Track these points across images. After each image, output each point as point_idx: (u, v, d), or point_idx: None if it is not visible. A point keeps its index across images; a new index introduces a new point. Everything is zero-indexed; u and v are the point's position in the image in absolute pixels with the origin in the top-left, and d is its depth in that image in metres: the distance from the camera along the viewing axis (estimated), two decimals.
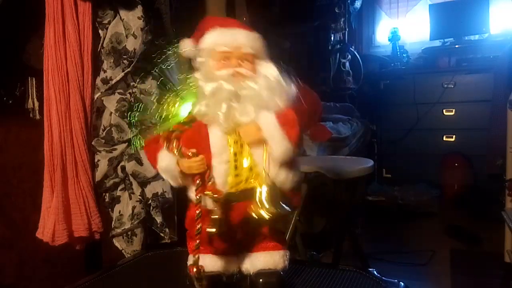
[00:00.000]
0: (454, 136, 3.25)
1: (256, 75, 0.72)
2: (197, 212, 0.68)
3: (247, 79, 0.71)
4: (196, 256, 0.68)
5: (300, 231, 1.75)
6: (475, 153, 3.00)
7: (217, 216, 0.67)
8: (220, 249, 0.75)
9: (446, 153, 3.22)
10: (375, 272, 0.85)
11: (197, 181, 0.69)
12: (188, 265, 0.69)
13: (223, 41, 0.72)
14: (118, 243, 1.29)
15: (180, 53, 0.77)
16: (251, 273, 0.75)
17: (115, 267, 0.99)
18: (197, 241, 0.68)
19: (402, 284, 0.81)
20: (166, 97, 0.75)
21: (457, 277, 1.89)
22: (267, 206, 0.66)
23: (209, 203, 0.69)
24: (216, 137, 0.70)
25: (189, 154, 0.68)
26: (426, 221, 2.81)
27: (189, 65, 0.76)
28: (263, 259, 0.74)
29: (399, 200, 3.03)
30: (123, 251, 1.29)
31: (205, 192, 0.68)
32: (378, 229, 2.67)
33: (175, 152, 0.69)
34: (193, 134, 0.71)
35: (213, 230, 0.67)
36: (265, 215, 0.67)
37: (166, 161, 0.70)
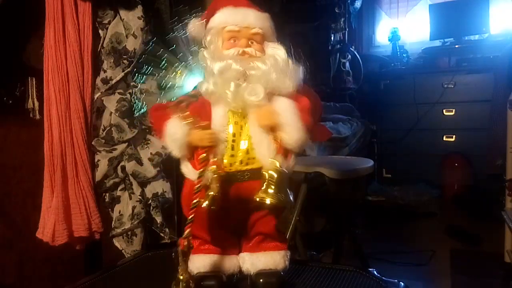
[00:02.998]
0: (454, 136, 3.25)
1: (264, 55, 0.72)
2: (197, 185, 0.67)
3: (256, 59, 0.71)
4: (188, 230, 0.67)
5: (300, 231, 1.75)
6: (475, 153, 3.00)
7: (212, 193, 0.66)
8: (223, 248, 0.75)
9: (446, 153, 3.22)
10: (375, 272, 0.85)
11: (203, 155, 0.68)
12: (180, 238, 0.68)
13: (232, 20, 0.72)
14: (118, 243, 1.29)
15: (190, 31, 0.76)
16: (252, 273, 0.75)
17: (115, 267, 0.98)
18: (191, 216, 0.67)
19: (402, 284, 0.81)
20: (175, 67, 0.74)
21: (457, 277, 1.89)
22: (271, 192, 0.66)
23: (206, 179, 0.67)
24: (218, 115, 0.70)
25: (204, 124, 0.68)
26: (426, 221, 2.81)
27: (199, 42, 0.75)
28: (264, 259, 0.74)
29: (399, 200, 3.03)
30: (123, 251, 1.29)
31: (209, 167, 0.67)
32: (378, 229, 2.67)
33: (188, 120, 0.68)
34: (199, 108, 0.71)
35: (205, 204, 0.65)
36: (268, 201, 0.66)
37: (175, 129, 0.69)
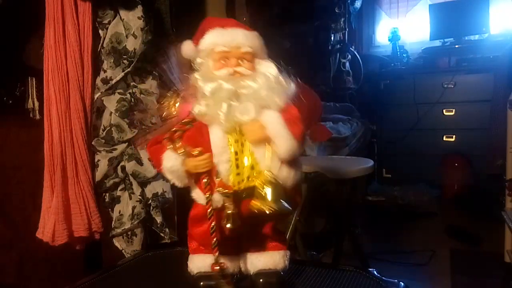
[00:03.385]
0: (454, 136, 3.25)
1: (255, 73, 0.73)
2: (209, 210, 0.69)
3: (247, 78, 0.72)
4: (216, 254, 0.70)
5: (300, 231, 1.75)
6: (475, 153, 3.00)
7: (231, 211, 0.67)
8: (223, 249, 0.75)
9: (446, 153, 3.22)
10: (375, 272, 0.85)
11: (204, 180, 0.69)
12: (211, 264, 0.71)
13: (222, 41, 0.73)
14: (118, 243, 1.29)
15: (181, 54, 0.77)
16: (252, 273, 0.75)
17: (115, 267, 0.99)
18: (214, 239, 0.69)
19: (402, 284, 0.81)
20: (166, 97, 0.75)
21: (457, 277, 1.89)
22: (269, 201, 0.67)
23: (216, 201, 0.69)
24: (216, 136, 0.70)
25: (195, 153, 0.69)
26: (426, 221, 2.81)
27: (189, 65, 0.76)
28: (263, 259, 0.75)
29: (399, 200, 3.03)
30: (123, 251, 1.29)
31: (216, 189, 0.69)
32: (378, 229, 2.67)
33: (181, 152, 0.70)
34: (195, 134, 0.71)
35: (229, 225, 0.67)
36: (266, 210, 0.67)
37: (171, 162, 0.70)
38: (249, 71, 0.73)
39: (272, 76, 0.72)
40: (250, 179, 0.70)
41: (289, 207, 0.69)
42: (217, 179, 0.69)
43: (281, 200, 0.68)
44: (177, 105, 0.74)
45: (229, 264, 0.76)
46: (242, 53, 0.72)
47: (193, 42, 0.76)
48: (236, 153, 0.70)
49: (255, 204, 0.67)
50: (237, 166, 0.70)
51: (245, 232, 0.73)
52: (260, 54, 0.75)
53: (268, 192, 0.67)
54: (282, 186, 0.69)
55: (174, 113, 0.74)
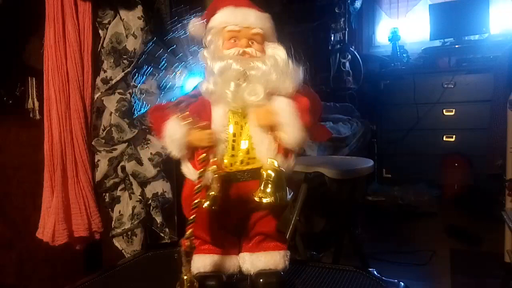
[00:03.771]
0: (454, 136, 3.25)
1: (265, 56, 0.72)
2: (197, 186, 0.67)
3: (256, 59, 0.71)
4: (190, 230, 0.67)
5: (300, 231, 1.75)
6: (475, 153, 3.00)
7: (213, 193, 0.66)
8: (223, 248, 0.75)
9: (446, 153, 3.22)
10: (375, 272, 0.85)
11: (203, 155, 0.68)
12: (182, 239, 0.68)
13: (233, 20, 0.72)
14: (118, 243, 1.29)
15: (190, 31, 0.76)
16: (252, 273, 0.75)
17: (115, 267, 0.98)
18: (192, 216, 0.67)
19: (402, 284, 0.81)
20: (174, 67, 0.74)
21: (457, 277, 1.89)
22: (269, 191, 0.66)
23: (207, 179, 0.67)
24: (218, 115, 0.70)
25: (202, 124, 0.68)
26: (426, 221, 2.81)
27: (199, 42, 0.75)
28: (264, 259, 0.75)
29: (399, 200, 3.03)
30: (123, 251, 1.29)
31: (210, 167, 0.67)
32: (378, 229, 2.67)
33: (188, 121, 0.68)
34: (199, 108, 0.71)
35: (207, 205, 0.65)
36: (265, 200, 0.66)
37: (175, 129, 0.69)
38: (259, 52, 0.72)
39: (281, 60, 0.72)
40: (244, 163, 0.69)
41: (288, 198, 0.69)
42: (214, 158, 0.68)
43: (282, 191, 0.67)
44: (183, 76, 0.73)
45: (229, 264, 0.76)
46: (252, 34, 0.72)
47: (203, 19, 0.75)
48: (234, 135, 0.70)
49: (257, 193, 0.67)
50: (233, 148, 0.70)
51: (239, 218, 0.72)
52: (271, 37, 0.75)
53: (270, 182, 0.66)
54: (283, 175, 0.68)
55: (178, 84, 0.73)
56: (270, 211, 0.72)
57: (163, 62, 0.75)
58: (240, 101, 0.69)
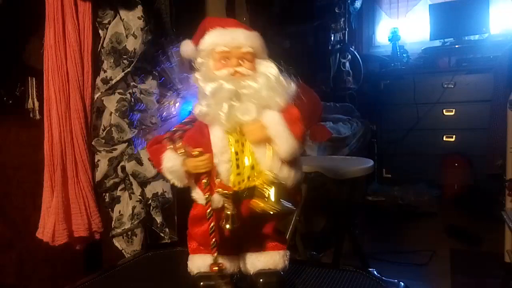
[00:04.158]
0: (454, 136, 3.25)
1: (256, 73, 0.73)
2: (208, 211, 0.69)
3: (247, 78, 0.72)
4: (215, 254, 0.69)
5: (300, 231, 1.75)
6: (475, 153, 3.00)
7: (230, 212, 0.67)
8: (222, 249, 0.75)
9: (446, 153, 3.22)
10: (375, 272, 0.85)
11: (204, 180, 0.69)
12: (210, 264, 0.71)
13: (222, 41, 0.72)
14: (118, 243, 1.29)
15: (181, 54, 0.77)
16: (251, 273, 0.75)
17: (115, 267, 0.99)
18: (213, 240, 0.69)
19: (402, 284, 0.81)
20: (167, 97, 0.75)
21: (457, 277, 1.89)
22: (271, 201, 0.67)
23: (216, 202, 0.69)
24: (217, 136, 0.70)
25: (195, 153, 0.69)
26: (426, 221, 2.81)
27: (190, 65, 0.76)
28: (263, 259, 0.75)
29: (399, 200, 3.03)
30: (123, 251, 1.29)
31: (215, 190, 0.69)
32: (378, 229, 2.67)
33: (180, 152, 0.70)
34: (195, 134, 0.72)
35: (229, 226, 0.67)
36: (270, 210, 0.67)
37: (172, 162, 0.70)
38: (250, 71, 0.73)
39: (273, 76, 0.72)
40: (250, 179, 0.70)
41: (291, 207, 0.69)
42: (217, 180, 0.69)
43: (282, 200, 0.68)
44: (177, 105, 0.74)
45: (229, 264, 0.76)
46: (242, 53, 0.72)
47: (193, 42, 0.76)
48: (236, 153, 0.70)
49: (257, 204, 0.67)
50: (238, 166, 0.70)
51: (244, 232, 0.73)
52: (261, 54, 0.75)
53: (270, 192, 0.67)
54: (283, 186, 0.69)
55: (174, 113, 0.74)
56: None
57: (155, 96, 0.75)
58: (233, 121, 0.69)
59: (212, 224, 0.69)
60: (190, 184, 0.73)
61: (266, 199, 0.67)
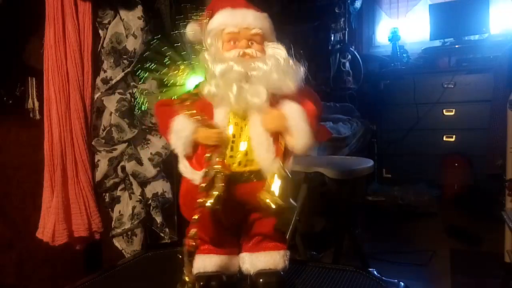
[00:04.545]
0: (454, 136, 3.25)
1: (265, 56, 0.72)
2: (202, 184, 0.66)
3: (256, 60, 0.71)
4: (195, 230, 0.66)
5: (300, 231, 1.75)
6: (475, 153, 3.00)
7: (217, 192, 0.66)
8: (223, 248, 0.75)
9: (446, 153, 3.21)
10: (375, 272, 0.85)
11: (208, 154, 0.68)
12: (186, 238, 0.67)
13: (232, 21, 0.72)
14: (118, 243, 1.29)
15: (189, 36, 0.76)
16: (252, 273, 0.75)
17: (115, 267, 0.98)
18: (197, 215, 0.66)
19: (402, 284, 0.81)
20: (177, 65, 0.74)
21: (457, 277, 1.89)
22: (276, 197, 0.66)
23: (209, 178, 0.67)
24: (219, 116, 0.70)
25: (211, 123, 0.68)
26: (426, 221, 2.81)
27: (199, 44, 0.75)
28: (264, 259, 0.75)
29: (399, 200, 3.03)
30: (123, 251, 1.29)
31: (214, 166, 0.67)
32: (378, 229, 2.66)
33: (196, 118, 0.68)
34: (202, 108, 0.71)
35: (210, 204, 0.65)
36: (273, 205, 0.66)
37: (182, 126, 0.69)
38: (259, 53, 0.72)
39: (282, 59, 0.72)
40: (241, 164, 0.69)
41: (294, 203, 0.69)
42: (218, 158, 0.68)
43: (288, 196, 0.67)
44: (185, 75, 0.73)
45: (229, 264, 0.76)
46: (252, 35, 0.72)
47: (202, 22, 0.75)
48: (233, 136, 0.70)
49: (262, 197, 0.66)
50: (232, 149, 0.69)
51: (239, 220, 0.72)
52: (270, 37, 0.75)
53: (278, 186, 0.66)
54: (290, 181, 0.68)
55: (181, 83, 0.72)
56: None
57: (166, 59, 0.74)
58: (243, 103, 0.69)
59: (201, 200, 0.66)
60: (191, 154, 0.71)
61: (272, 193, 0.66)
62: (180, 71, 0.73)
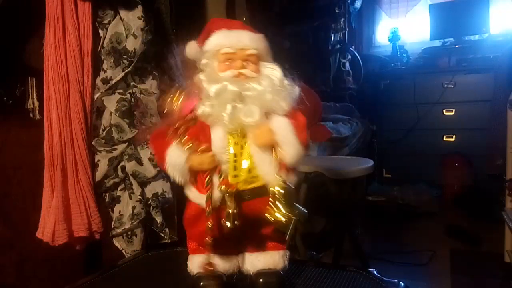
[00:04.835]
0: (454, 136, 3.25)
1: (260, 76, 0.73)
2: (208, 209, 0.68)
3: (251, 80, 0.72)
4: (210, 254, 0.69)
5: (300, 231, 1.75)
6: (475, 153, 3.00)
7: (231, 210, 0.67)
8: (222, 249, 0.75)
9: (446, 153, 3.21)
10: (375, 272, 0.85)
11: (207, 178, 0.69)
12: (203, 263, 0.70)
13: (227, 42, 0.72)
14: (118, 243, 1.29)
15: (186, 55, 0.76)
16: (251, 273, 0.75)
17: (115, 267, 0.99)
18: (209, 238, 0.69)
19: (402, 284, 0.81)
20: (170, 93, 0.74)
21: (457, 277, 1.89)
22: (283, 209, 0.67)
23: (216, 199, 0.69)
24: (218, 136, 0.70)
25: (202, 148, 0.69)
26: (426, 221, 2.81)
27: (193, 64, 0.76)
28: (263, 259, 0.75)
29: (399, 200, 3.04)
30: (123, 251, 1.29)
31: (218, 187, 0.68)
32: (378, 229, 2.67)
33: (187, 146, 0.69)
34: (198, 132, 0.71)
35: (229, 224, 0.67)
36: (282, 218, 0.67)
37: (176, 157, 0.70)
38: (254, 73, 0.73)
39: (277, 79, 0.72)
40: (247, 182, 0.70)
41: (303, 210, 0.69)
42: (220, 178, 0.69)
43: (295, 204, 0.68)
44: (180, 101, 0.73)
45: (228, 264, 0.76)
46: (247, 55, 0.72)
47: (198, 43, 0.76)
48: (235, 155, 0.70)
49: (271, 213, 0.67)
50: (235, 168, 0.70)
51: (243, 232, 0.73)
52: (265, 57, 0.75)
53: (281, 200, 0.67)
54: (292, 190, 0.69)
55: (176, 109, 0.73)
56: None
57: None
58: (236, 123, 0.69)
59: (209, 223, 0.68)
60: (190, 181, 0.73)
61: (276, 207, 0.67)
62: (175, 97, 0.73)
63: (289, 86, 0.73)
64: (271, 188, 0.68)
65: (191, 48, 0.76)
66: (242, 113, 0.69)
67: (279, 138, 0.69)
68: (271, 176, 0.69)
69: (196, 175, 0.72)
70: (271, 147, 0.70)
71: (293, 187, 0.70)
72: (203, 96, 0.72)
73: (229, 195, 0.68)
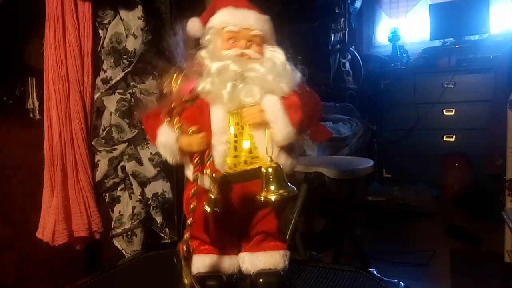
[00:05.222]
0: (454, 136, 3.25)
1: (263, 58, 0.72)
2: (193, 190, 0.68)
3: (254, 61, 0.71)
4: (187, 234, 0.67)
5: (300, 231, 1.75)
6: (475, 153, 3.00)
7: (213, 196, 0.66)
8: (223, 248, 0.75)
9: (446, 153, 3.21)
10: (375, 272, 0.85)
11: (196, 160, 0.69)
12: (179, 243, 0.69)
13: (233, 20, 0.72)
14: (118, 243, 1.29)
15: (188, 31, 0.76)
16: (251, 273, 0.75)
17: (115, 267, 0.99)
18: (189, 220, 0.67)
19: (402, 284, 0.81)
20: (170, 73, 0.74)
21: (457, 277, 1.89)
22: (273, 188, 0.66)
23: (206, 182, 0.68)
24: (217, 117, 0.70)
25: (190, 131, 0.68)
26: (426, 221, 2.81)
27: (195, 44, 0.75)
28: (264, 259, 0.75)
29: (399, 200, 3.03)
30: (123, 251, 1.29)
31: (203, 171, 0.68)
32: (378, 229, 2.66)
33: (176, 128, 0.69)
34: (195, 112, 0.71)
35: (208, 209, 0.65)
36: (272, 197, 0.66)
37: (166, 136, 0.70)
38: (258, 54, 0.72)
39: (280, 62, 0.72)
40: (247, 162, 0.70)
41: (293, 188, 0.68)
42: (208, 162, 0.68)
43: (285, 183, 0.67)
44: (179, 81, 0.73)
45: (229, 264, 0.76)
46: (251, 36, 0.72)
47: (201, 19, 0.75)
48: (235, 135, 0.70)
49: (260, 193, 0.66)
50: (235, 149, 0.70)
51: (240, 220, 0.73)
52: (269, 39, 0.75)
53: (271, 179, 0.66)
54: (283, 169, 0.68)
55: (174, 91, 0.72)
56: (273, 209, 0.72)
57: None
58: (236, 102, 0.69)
59: (193, 204, 0.67)
60: (185, 161, 0.72)
61: (266, 186, 0.66)
62: (173, 78, 0.73)
63: (291, 70, 0.72)
64: (262, 169, 0.67)
65: (193, 24, 0.76)
66: (242, 93, 0.69)
67: (268, 116, 0.68)
68: (273, 156, 0.68)
69: (192, 155, 0.71)
70: (265, 126, 0.69)
71: (282, 165, 0.68)
72: (204, 73, 0.71)
73: (212, 180, 0.67)
